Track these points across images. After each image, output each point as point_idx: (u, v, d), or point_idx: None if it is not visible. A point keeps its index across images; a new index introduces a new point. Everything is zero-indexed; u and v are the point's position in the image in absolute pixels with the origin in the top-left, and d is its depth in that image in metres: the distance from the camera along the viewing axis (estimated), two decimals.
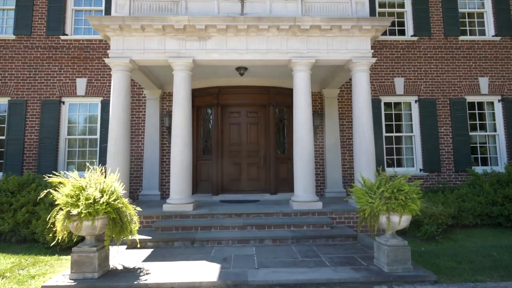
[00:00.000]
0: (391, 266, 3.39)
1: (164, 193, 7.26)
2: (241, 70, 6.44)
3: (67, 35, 7.60)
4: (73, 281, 3.29)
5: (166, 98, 7.59)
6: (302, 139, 5.48)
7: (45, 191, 3.60)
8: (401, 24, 8.14)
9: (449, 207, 5.30)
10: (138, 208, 3.85)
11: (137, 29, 5.46)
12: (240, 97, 7.23)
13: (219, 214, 5.25)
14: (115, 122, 5.50)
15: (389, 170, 7.25)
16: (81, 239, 3.65)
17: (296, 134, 5.55)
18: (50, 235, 3.54)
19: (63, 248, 4.59)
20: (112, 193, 3.46)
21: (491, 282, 3.37)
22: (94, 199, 3.26)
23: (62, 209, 3.34)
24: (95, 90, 7.50)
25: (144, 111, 7.52)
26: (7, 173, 6.50)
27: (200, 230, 4.90)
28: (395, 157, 7.77)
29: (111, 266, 3.71)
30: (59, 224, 3.30)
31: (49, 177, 3.45)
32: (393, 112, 7.89)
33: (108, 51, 5.64)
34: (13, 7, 7.73)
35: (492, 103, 8.01)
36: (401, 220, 3.33)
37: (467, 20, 8.21)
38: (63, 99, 7.55)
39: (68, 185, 3.38)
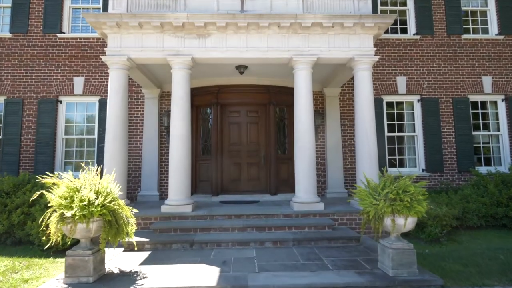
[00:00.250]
0: (396, 270, 3.28)
1: (163, 193, 7.14)
2: (241, 68, 6.32)
3: (64, 33, 7.49)
4: (67, 285, 3.17)
5: (165, 97, 7.48)
6: (303, 139, 5.36)
7: (38, 193, 3.49)
8: (403, 22, 8.04)
9: (454, 208, 5.19)
10: (135, 210, 3.74)
11: (134, 26, 5.34)
12: (240, 96, 7.12)
13: (219, 216, 5.14)
14: (113, 121, 5.38)
15: (391, 170, 7.14)
16: (77, 241, 3.54)
17: (297, 134, 5.44)
18: (44, 237, 3.42)
19: (59, 250, 4.47)
20: (108, 194, 3.35)
21: (499, 287, 3.27)
22: (89, 201, 3.15)
23: (56, 211, 3.23)
24: (92, 89, 7.39)
25: (143, 111, 7.41)
26: (2, 174, 6.39)
27: (199, 232, 4.78)
28: (397, 157, 7.66)
29: (107, 270, 3.60)
30: (53, 226, 3.18)
31: (42, 178, 3.33)
32: (395, 111, 7.78)
33: (105, 49, 5.52)
34: (9, 4, 7.61)
35: (495, 102, 7.90)
36: (407, 223, 3.22)
37: (470, 18, 8.10)
38: (60, 98, 7.44)
39: (62, 186, 3.26)
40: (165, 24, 5.34)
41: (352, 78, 6.99)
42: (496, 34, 7.89)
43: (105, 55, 5.45)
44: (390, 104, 7.79)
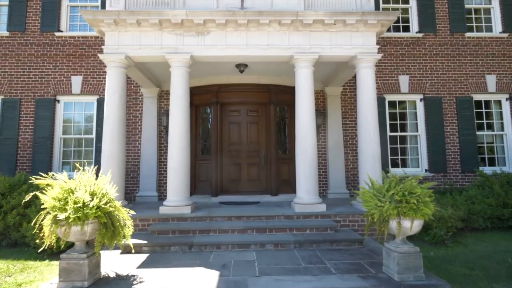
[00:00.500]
0: (402, 274, 3.17)
1: (162, 194, 7.03)
2: (241, 67, 6.22)
3: (62, 31, 7.39)
4: None
5: (164, 97, 7.37)
6: (305, 139, 5.25)
7: (30, 194, 3.38)
8: (406, 20, 7.92)
9: (459, 210, 5.07)
10: (132, 212, 3.63)
11: (132, 24, 5.23)
12: (240, 95, 7.01)
13: (218, 217, 5.02)
14: (110, 120, 5.28)
15: (394, 171, 7.02)
16: (73, 243, 3.42)
17: (298, 133, 5.33)
18: (37, 240, 3.32)
19: (55, 253, 4.36)
20: (104, 195, 3.23)
21: None
22: (84, 203, 3.04)
23: (49, 213, 3.12)
24: (90, 88, 7.28)
25: (141, 110, 7.30)
26: None
27: (198, 233, 4.67)
28: (399, 157, 7.54)
29: (102, 274, 3.49)
30: (46, 229, 3.07)
31: (35, 178, 3.22)
32: (397, 110, 7.66)
33: (103, 47, 5.42)
34: (7, 3, 7.52)
35: (499, 101, 7.78)
36: (413, 225, 3.10)
37: (473, 16, 7.98)
38: (58, 97, 7.33)
39: (56, 187, 3.15)
40: (163, 22, 5.23)
41: (354, 77, 6.90)
42: (500, 32, 7.77)
43: (103, 53, 5.34)
44: (392, 104, 7.67)
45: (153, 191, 6.99)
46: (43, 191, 3.20)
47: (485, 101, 7.75)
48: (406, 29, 7.87)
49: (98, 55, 5.53)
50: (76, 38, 7.37)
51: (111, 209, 3.21)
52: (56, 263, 4.13)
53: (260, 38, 5.40)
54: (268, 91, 6.98)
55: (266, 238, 4.47)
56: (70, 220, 2.96)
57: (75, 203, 3.01)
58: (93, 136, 7.24)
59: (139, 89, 7.31)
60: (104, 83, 7.17)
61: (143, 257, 4.10)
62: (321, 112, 7.30)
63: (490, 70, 7.67)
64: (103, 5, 7.34)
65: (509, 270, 3.68)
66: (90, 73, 7.32)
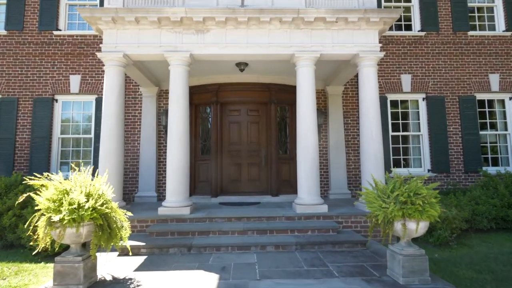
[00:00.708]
0: (407, 278, 3.07)
1: (161, 194, 6.94)
2: (241, 66, 6.12)
3: (60, 30, 7.30)
4: None
5: (163, 96, 7.28)
6: (306, 138, 5.16)
7: (24, 195, 3.29)
8: (408, 19, 7.83)
9: (463, 210, 4.97)
10: (129, 213, 3.54)
11: (131, 22, 5.15)
12: (240, 94, 6.92)
13: (218, 218, 4.93)
14: (108, 120, 5.19)
15: (397, 171, 6.89)
16: (69, 245, 3.33)
17: (300, 133, 5.23)
18: (31, 242, 3.22)
19: (50, 255, 4.27)
20: (100, 196, 3.14)
21: None
22: (79, 204, 2.95)
23: (44, 215, 3.03)
24: (89, 88, 7.20)
25: (140, 109, 7.21)
26: None
27: (197, 235, 4.58)
28: (401, 157, 7.45)
29: (99, 277, 3.40)
30: (41, 231, 2.98)
31: (30, 179, 3.13)
32: (399, 110, 7.57)
33: (101, 45, 5.33)
34: (5, 1, 7.43)
35: (503, 101, 7.68)
36: (419, 227, 3.01)
37: (476, 14, 7.89)
38: (56, 96, 7.24)
39: (50, 188, 3.06)
40: (162, 19, 5.14)
41: (356, 75, 6.82)
42: (503, 31, 7.68)
43: (101, 52, 5.25)
44: (394, 103, 7.58)
45: (152, 192, 6.90)
46: (37, 192, 3.11)
47: (488, 100, 7.65)
48: (408, 27, 7.77)
49: (96, 53, 5.44)
50: (75, 37, 7.29)
51: (107, 210, 3.12)
52: (51, 265, 4.01)
53: (260, 36, 5.31)
54: (268, 90, 6.89)
55: (267, 240, 4.38)
56: (65, 222, 2.87)
57: (70, 204, 2.92)
58: (92, 136, 7.15)
59: (138, 89, 7.22)
60: (103, 82, 7.09)
61: (141, 259, 4.01)
62: (322, 111, 7.21)
63: (493, 69, 7.57)
64: (101, 3, 7.25)
65: None
66: (89, 72, 7.24)
